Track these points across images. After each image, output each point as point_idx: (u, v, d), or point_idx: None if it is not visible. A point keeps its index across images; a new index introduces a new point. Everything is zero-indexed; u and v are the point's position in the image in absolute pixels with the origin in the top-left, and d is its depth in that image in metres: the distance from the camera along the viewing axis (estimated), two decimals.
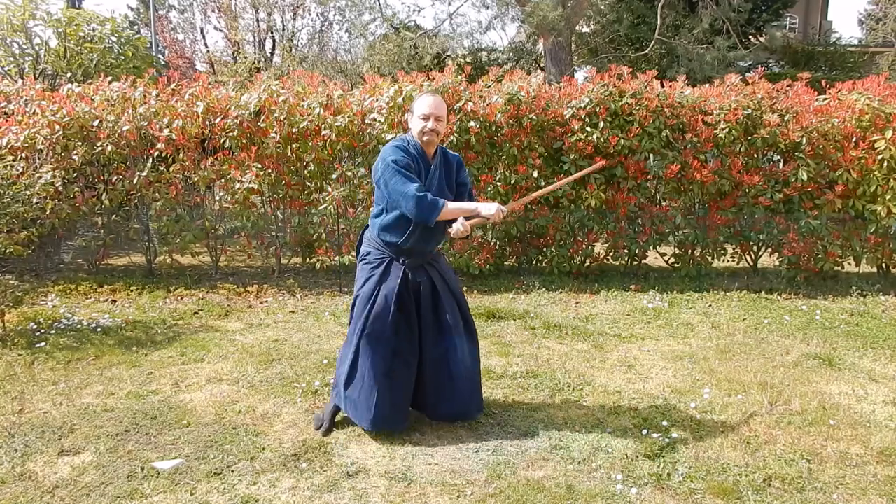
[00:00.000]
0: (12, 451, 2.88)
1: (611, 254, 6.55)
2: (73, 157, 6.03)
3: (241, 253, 6.99)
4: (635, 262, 6.73)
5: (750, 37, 17.49)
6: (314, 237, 6.35)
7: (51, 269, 6.65)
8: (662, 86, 6.36)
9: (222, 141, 6.29)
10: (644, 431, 3.09)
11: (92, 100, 6.21)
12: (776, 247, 6.34)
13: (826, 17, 29.32)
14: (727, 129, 6.07)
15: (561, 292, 5.98)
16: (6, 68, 8.98)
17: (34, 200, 5.55)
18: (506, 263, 6.76)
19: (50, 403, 3.41)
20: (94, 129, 6.08)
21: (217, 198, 6.55)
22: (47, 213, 5.86)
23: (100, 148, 6.06)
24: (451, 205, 2.84)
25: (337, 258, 6.46)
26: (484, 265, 6.21)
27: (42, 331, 4.62)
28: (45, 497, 2.52)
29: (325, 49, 22.92)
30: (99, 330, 4.69)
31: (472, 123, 6.02)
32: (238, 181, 6.08)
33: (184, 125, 6.11)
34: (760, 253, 6.77)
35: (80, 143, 6.07)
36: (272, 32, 22.77)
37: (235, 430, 3.10)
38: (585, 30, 18.78)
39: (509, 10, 15.39)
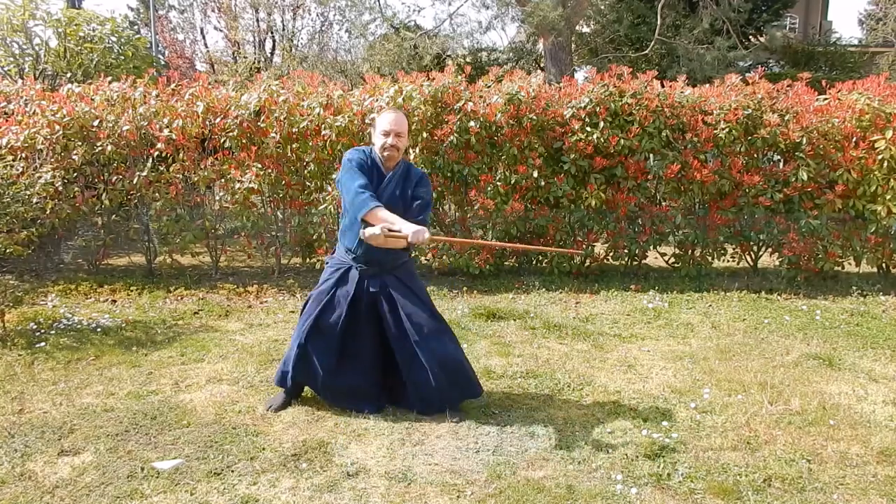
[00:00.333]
0: (12, 451, 2.87)
1: (611, 254, 6.55)
2: (73, 157, 6.03)
3: (241, 253, 6.99)
4: (635, 262, 6.74)
5: (750, 37, 17.49)
6: (314, 237, 6.35)
7: (51, 269, 6.65)
8: (662, 86, 6.36)
9: (222, 141, 6.29)
10: (644, 431, 3.09)
11: (92, 100, 6.21)
12: (776, 247, 6.34)
13: (826, 17, 29.33)
14: (727, 129, 6.07)
15: (561, 292, 5.98)
16: (6, 68, 8.98)
17: (34, 200, 5.55)
18: (506, 263, 6.76)
19: (50, 403, 3.41)
20: (94, 129, 6.08)
21: (217, 198, 6.55)
22: (47, 213, 5.86)
23: (100, 148, 6.06)
24: (382, 212, 2.89)
25: None
26: (484, 265, 6.21)
27: (42, 331, 4.62)
28: (45, 497, 2.52)
29: (325, 49, 22.92)
30: (99, 330, 4.69)
31: (472, 123, 6.02)
32: (238, 181, 6.08)
33: (184, 125, 6.11)
34: (760, 253, 6.77)
35: (80, 143, 6.07)
36: (272, 32, 22.77)
37: (235, 430, 3.10)
38: (585, 30, 18.78)
39: (509, 10, 15.39)
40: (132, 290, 5.93)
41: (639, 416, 3.28)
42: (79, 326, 4.75)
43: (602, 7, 17.91)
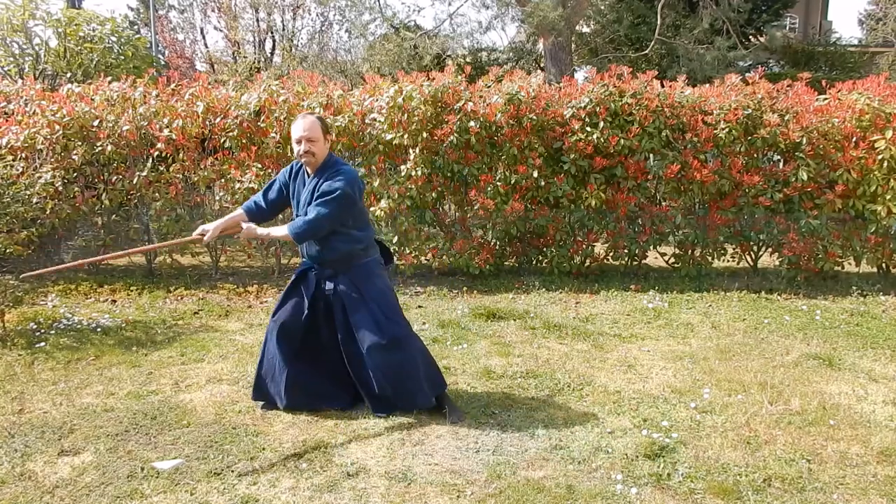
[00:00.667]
0: (12, 451, 2.88)
1: (611, 254, 6.55)
2: (73, 157, 6.03)
3: (241, 253, 6.99)
4: (635, 262, 6.73)
5: (750, 37, 17.48)
6: None
7: None
8: (662, 86, 6.36)
9: (222, 141, 6.29)
10: (644, 431, 3.09)
11: (92, 100, 6.21)
12: (776, 247, 6.34)
13: (826, 17, 29.32)
14: (727, 129, 6.07)
15: (561, 292, 5.98)
16: (6, 68, 8.98)
17: (34, 200, 5.55)
18: (506, 263, 6.76)
19: (50, 403, 3.41)
20: (94, 129, 6.08)
21: (217, 198, 6.54)
22: (47, 213, 5.86)
23: (100, 148, 6.06)
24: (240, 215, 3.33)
25: None
26: (484, 265, 6.21)
27: (42, 331, 4.62)
28: (45, 497, 2.52)
29: (325, 49, 22.91)
30: (99, 330, 4.69)
31: (472, 123, 6.02)
32: (238, 181, 6.08)
33: (184, 125, 6.11)
34: (760, 253, 6.77)
35: (80, 143, 6.07)
36: (272, 32, 22.75)
37: (235, 430, 3.10)
38: (585, 30, 18.77)
39: (509, 10, 15.38)
40: (132, 290, 5.93)
41: (639, 416, 3.28)
42: (79, 326, 4.75)
43: (602, 7, 17.90)
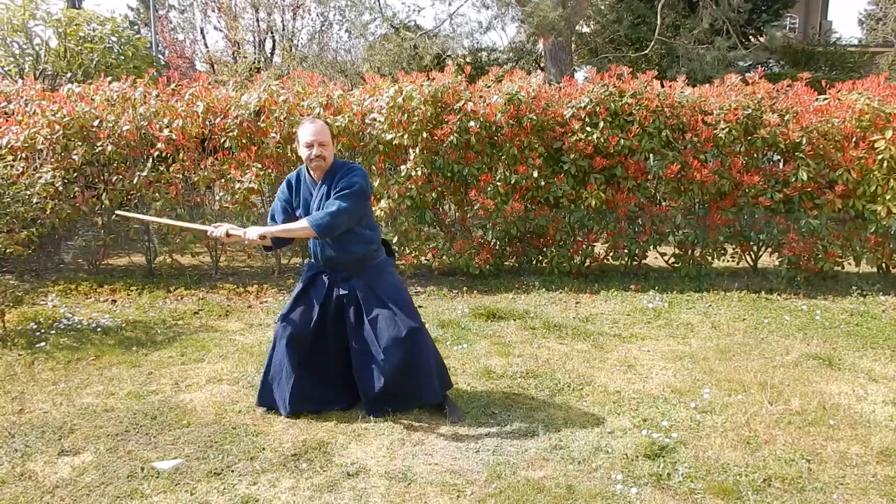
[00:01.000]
0: (12, 451, 2.88)
1: (611, 254, 6.55)
2: (73, 157, 6.03)
3: (241, 253, 6.99)
4: (635, 262, 6.73)
5: (750, 37, 17.47)
6: None
7: (51, 269, 6.65)
8: (662, 86, 6.36)
9: (222, 141, 6.29)
10: (644, 431, 3.09)
11: (92, 100, 6.21)
12: (776, 247, 6.33)
13: (826, 17, 29.32)
14: (727, 129, 6.07)
15: (561, 292, 5.98)
16: (6, 68, 8.98)
17: (34, 200, 5.55)
18: (506, 263, 6.76)
19: (50, 403, 3.41)
20: (94, 129, 6.08)
21: (217, 198, 6.55)
22: (47, 213, 5.86)
23: (100, 148, 6.06)
24: (272, 229, 3.19)
25: None
26: (484, 265, 6.21)
27: (42, 331, 4.62)
28: (45, 497, 2.53)
29: (325, 49, 22.90)
30: (99, 330, 4.69)
31: (472, 123, 6.02)
32: (238, 181, 6.08)
33: (184, 125, 6.11)
34: (760, 253, 6.77)
35: (80, 143, 6.07)
36: (272, 32, 22.76)
37: (235, 430, 3.10)
38: (585, 30, 18.77)
39: (509, 10, 15.38)
40: (132, 290, 5.94)
41: (639, 416, 3.28)
42: (79, 326, 4.75)
43: (602, 7, 17.90)
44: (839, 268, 6.38)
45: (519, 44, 19.54)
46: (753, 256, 6.76)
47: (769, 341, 4.61)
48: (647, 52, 15.47)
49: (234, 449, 2.91)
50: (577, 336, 4.68)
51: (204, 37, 23.94)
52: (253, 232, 3.06)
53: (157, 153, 6.18)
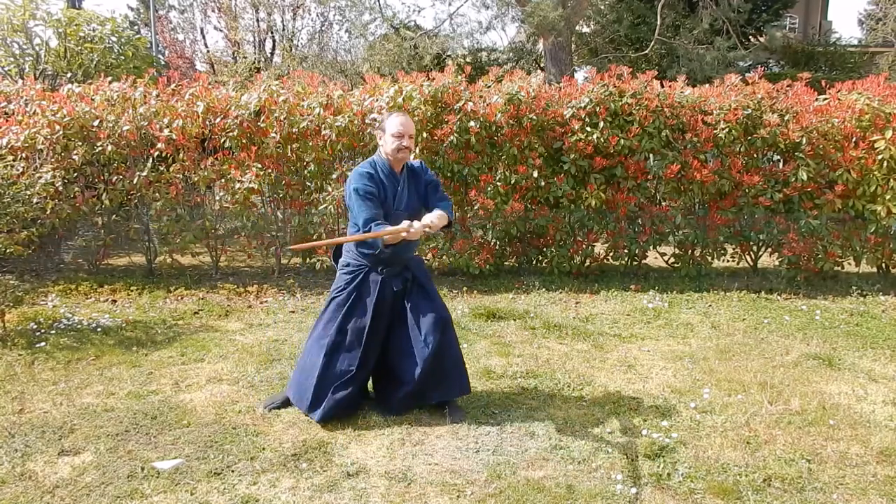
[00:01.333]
0: (12, 451, 2.88)
1: (611, 254, 6.55)
2: (73, 157, 6.03)
3: (241, 253, 6.99)
4: (635, 262, 6.73)
5: (750, 37, 17.48)
6: (314, 237, 6.35)
7: (51, 269, 6.65)
8: (662, 86, 6.36)
9: (222, 141, 6.29)
10: (644, 431, 3.09)
11: (92, 100, 6.21)
12: (776, 247, 6.34)
13: (826, 17, 29.33)
14: (727, 129, 6.07)
15: (561, 292, 5.98)
16: (6, 68, 8.98)
17: (34, 200, 5.55)
18: (506, 263, 6.76)
19: (50, 403, 3.41)
20: (94, 129, 6.08)
21: (217, 198, 6.54)
22: (47, 213, 5.86)
23: (100, 148, 6.06)
24: (387, 229, 2.99)
25: None
26: (484, 265, 6.21)
27: (42, 331, 4.62)
28: (45, 497, 2.53)
29: (325, 49, 22.90)
30: (99, 330, 4.69)
31: (472, 123, 6.02)
32: (238, 181, 6.08)
33: (184, 125, 6.11)
34: (760, 253, 6.77)
35: (80, 143, 6.07)
36: (272, 32, 22.76)
37: (235, 430, 3.10)
38: (585, 30, 18.77)
39: (509, 10, 15.38)
40: (132, 290, 5.94)
41: (639, 416, 3.28)
42: (79, 326, 4.75)
43: (602, 7, 17.90)
44: (839, 268, 6.38)
45: (519, 44, 19.54)
46: (753, 256, 6.77)
47: (769, 341, 4.61)
48: (647, 52, 15.47)
49: (234, 449, 2.91)
50: (577, 336, 4.68)
51: (204, 37, 23.97)
52: (420, 225, 3.01)
53: (157, 153, 6.18)
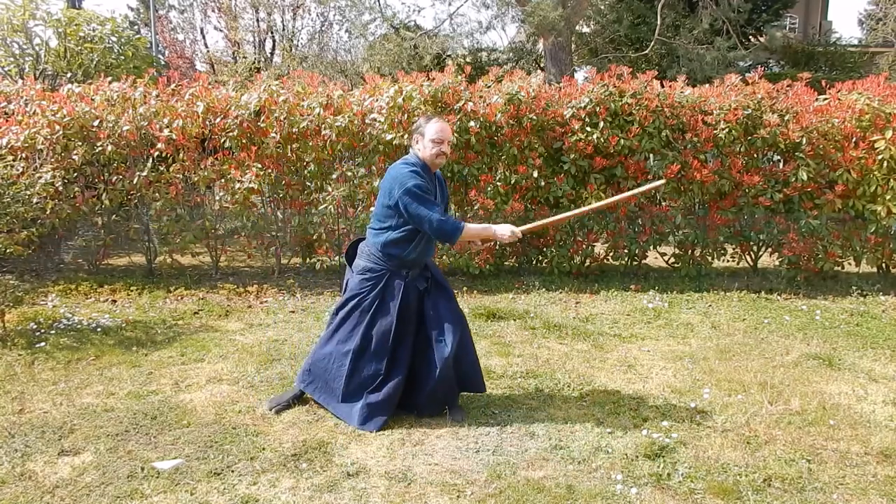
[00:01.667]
0: (12, 451, 2.88)
1: (611, 254, 6.56)
2: (73, 157, 6.03)
3: (241, 253, 6.99)
4: (635, 262, 6.74)
5: (750, 37, 17.48)
6: (314, 237, 6.35)
7: (51, 269, 6.65)
8: (662, 86, 6.36)
9: (222, 141, 6.29)
10: (644, 431, 3.09)
11: (92, 100, 6.21)
12: (776, 247, 6.34)
13: (826, 17, 29.33)
14: (727, 129, 6.07)
15: (561, 292, 5.98)
16: (6, 68, 8.98)
17: (34, 200, 5.55)
18: (506, 263, 6.76)
19: (50, 403, 3.41)
20: (94, 129, 6.08)
21: (217, 198, 6.54)
22: (47, 213, 5.86)
23: (100, 148, 6.06)
24: (470, 227, 3.18)
25: (337, 258, 6.46)
26: (484, 265, 6.21)
27: (42, 331, 4.62)
28: (45, 497, 2.53)
29: (325, 49, 22.89)
30: (99, 330, 4.69)
31: (472, 123, 6.02)
32: (238, 181, 6.08)
33: (184, 125, 6.11)
34: (760, 253, 6.77)
35: (80, 143, 6.07)
36: (272, 32, 22.75)
37: (235, 430, 3.10)
38: (585, 30, 18.77)
39: (509, 10, 15.38)
40: (132, 290, 5.93)
41: (639, 416, 3.28)
42: (79, 326, 4.75)
43: (602, 7, 17.90)
44: (839, 268, 6.38)
45: (519, 44, 19.54)
46: (753, 256, 6.77)
47: (769, 341, 4.61)
48: (647, 52, 15.47)
49: (234, 449, 2.91)
50: (577, 336, 4.68)
51: (204, 37, 23.95)
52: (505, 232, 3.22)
53: (157, 153, 6.18)
